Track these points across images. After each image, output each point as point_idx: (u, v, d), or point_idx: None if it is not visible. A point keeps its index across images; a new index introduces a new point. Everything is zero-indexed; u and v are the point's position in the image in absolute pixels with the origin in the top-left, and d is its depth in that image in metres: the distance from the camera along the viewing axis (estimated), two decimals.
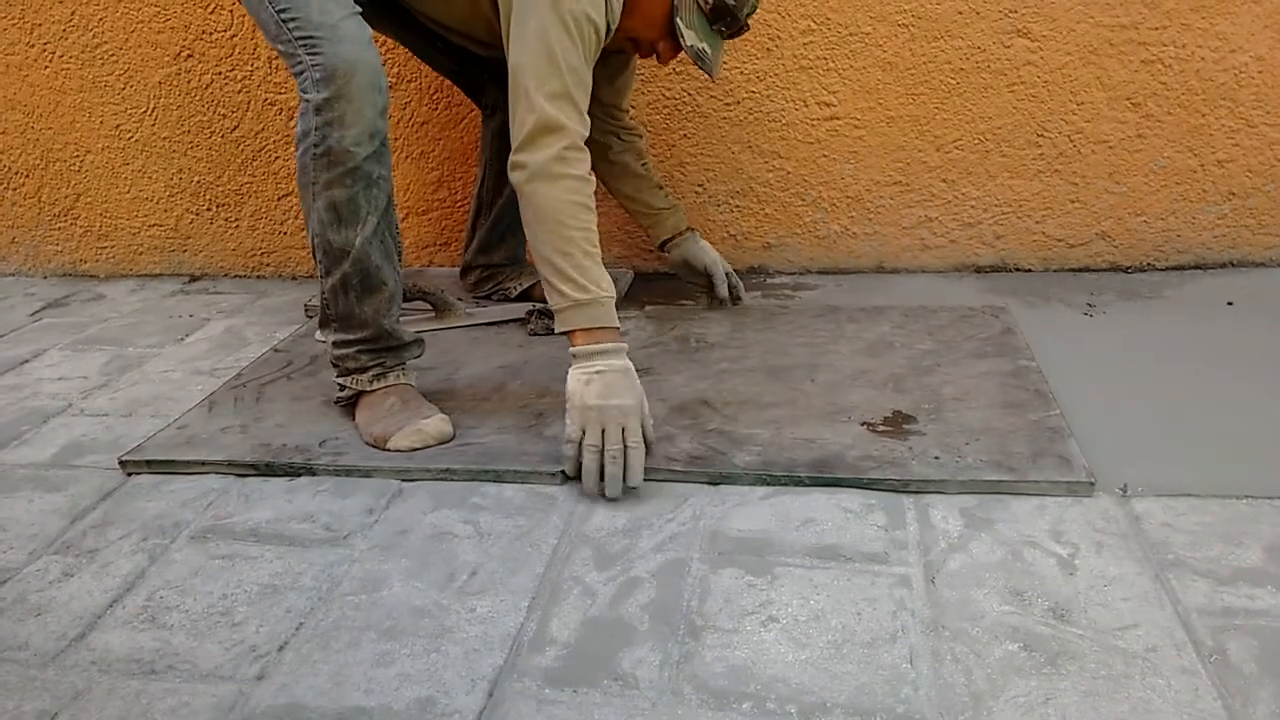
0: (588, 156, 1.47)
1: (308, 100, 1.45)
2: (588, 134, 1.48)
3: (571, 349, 1.44)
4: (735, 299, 2.04)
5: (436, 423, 1.54)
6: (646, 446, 1.42)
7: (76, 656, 1.15)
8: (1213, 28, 1.96)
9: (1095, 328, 1.87)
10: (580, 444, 1.39)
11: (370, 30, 1.50)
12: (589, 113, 1.48)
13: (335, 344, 1.59)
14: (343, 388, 1.61)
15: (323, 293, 1.57)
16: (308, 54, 1.44)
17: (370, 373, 1.60)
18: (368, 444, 1.55)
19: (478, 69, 1.98)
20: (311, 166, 1.47)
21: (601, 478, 1.38)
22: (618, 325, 1.45)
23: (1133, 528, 1.25)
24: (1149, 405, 1.54)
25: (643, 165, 1.98)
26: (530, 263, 2.15)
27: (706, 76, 2.10)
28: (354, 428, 1.60)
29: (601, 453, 1.38)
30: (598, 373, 1.40)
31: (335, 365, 1.61)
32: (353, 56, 1.43)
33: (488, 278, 2.15)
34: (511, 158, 1.46)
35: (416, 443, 1.52)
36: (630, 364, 1.43)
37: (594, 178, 1.48)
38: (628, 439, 1.38)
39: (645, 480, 1.41)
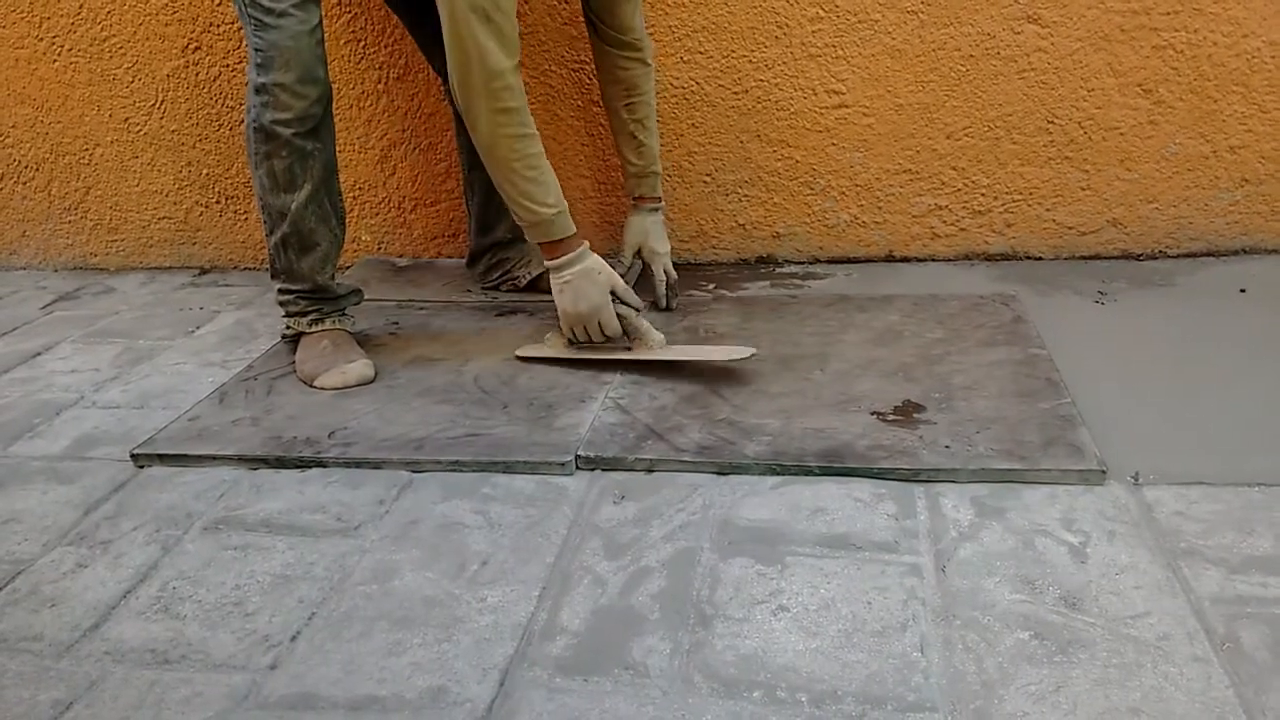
0: (515, 81, 1.54)
1: (250, 78, 1.61)
2: (517, 40, 1.54)
3: (546, 261, 1.67)
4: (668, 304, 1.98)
5: (359, 367, 1.73)
6: (637, 311, 1.70)
7: (90, 647, 1.16)
8: (1225, 13, 1.94)
9: (1107, 315, 1.86)
10: (572, 340, 1.71)
11: (318, 17, 1.59)
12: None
13: (280, 291, 1.82)
14: (288, 326, 1.84)
15: (270, 247, 1.76)
16: (254, 33, 1.59)
17: (309, 317, 1.81)
18: (300, 380, 1.75)
19: (431, 24, 1.87)
20: (253, 138, 1.66)
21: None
22: (572, 231, 1.64)
23: (1144, 516, 1.25)
24: (1161, 393, 1.54)
25: (627, 105, 1.89)
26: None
27: (715, 65, 2.10)
28: (361, 417, 1.61)
29: (590, 342, 1.69)
30: (566, 282, 1.65)
31: (281, 306, 1.83)
32: (288, 47, 1.58)
33: (496, 264, 2.12)
34: (451, 83, 1.54)
35: (339, 383, 1.71)
36: (593, 259, 1.66)
37: (524, 101, 1.56)
38: (605, 330, 1.67)
39: (655, 471, 1.42)
